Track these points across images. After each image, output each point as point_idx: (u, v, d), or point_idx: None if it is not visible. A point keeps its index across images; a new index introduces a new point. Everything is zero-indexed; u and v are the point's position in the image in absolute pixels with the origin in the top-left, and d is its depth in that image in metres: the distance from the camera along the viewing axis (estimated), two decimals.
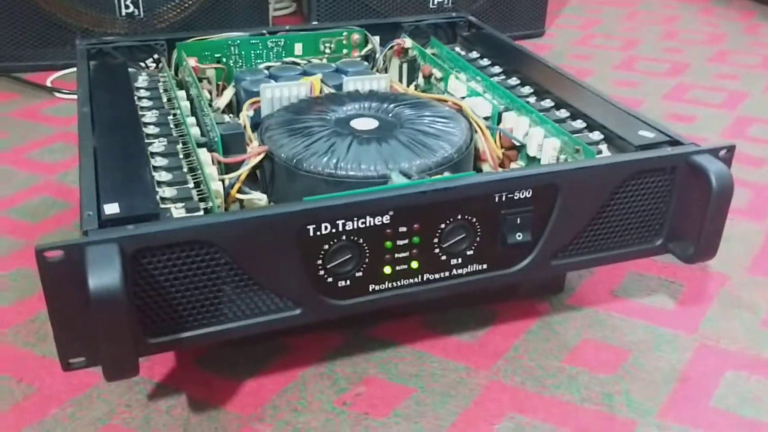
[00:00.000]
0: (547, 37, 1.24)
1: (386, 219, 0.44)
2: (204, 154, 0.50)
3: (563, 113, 0.56)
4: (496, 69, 0.66)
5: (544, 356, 0.54)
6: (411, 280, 0.47)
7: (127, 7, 1.04)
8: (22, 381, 0.51)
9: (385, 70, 0.73)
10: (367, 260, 0.45)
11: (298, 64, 0.71)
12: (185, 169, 0.48)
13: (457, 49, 0.72)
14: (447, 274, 0.48)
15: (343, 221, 0.43)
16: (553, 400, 0.50)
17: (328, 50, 0.73)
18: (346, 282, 0.45)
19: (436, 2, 1.13)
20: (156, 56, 0.68)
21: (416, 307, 0.56)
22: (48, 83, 1.00)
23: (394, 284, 0.47)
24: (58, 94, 0.97)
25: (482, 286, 0.49)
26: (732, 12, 1.42)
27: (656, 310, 0.59)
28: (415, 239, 0.46)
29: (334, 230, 0.43)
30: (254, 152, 0.51)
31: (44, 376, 0.51)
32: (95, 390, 0.50)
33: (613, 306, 0.59)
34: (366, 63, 0.71)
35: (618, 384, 0.51)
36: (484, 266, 0.49)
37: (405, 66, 0.72)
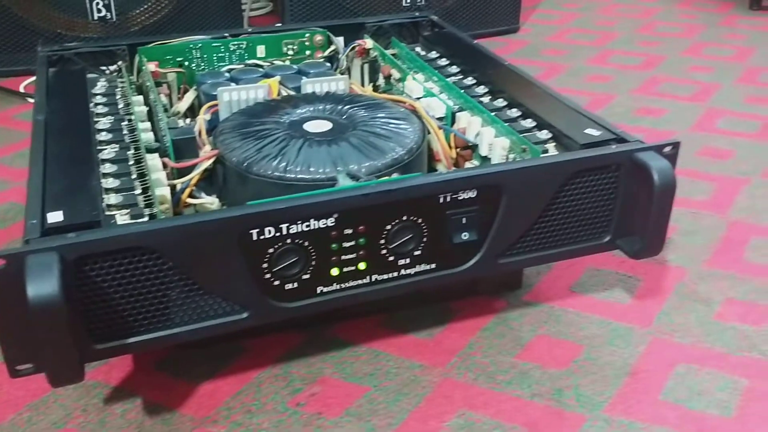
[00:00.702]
0: (522, 33, 1.24)
1: (331, 221, 0.45)
2: (154, 159, 0.51)
3: (514, 112, 0.57)
4: (454, 69, 0.66)
5: (498, 352, 0.54)
6: (359, 281, 0.48)
7: (99, 11, 1.04)
8: None
9: (348, 72, 0.73)
10: (313, 262, 0.46)
11: (260, 66, 0.72)
12: (134, 176, 0.48)
13: (418, 49, 0.72)
14: (395, 274, 0.49)
15: (287, 225, 0.44)
16: (503, 396, 0.50)
17: (291, 52, 0.74)
18: (293, 284, 0.46)
19: (408, 1, 1.13)
20: (118, 61, 0.68)
21: (375, 307, 0.57)
22: (21, 88, 1.00)
23: (342, 285, 0.47)
24: (30, 99, 0.97)
25: (431, 285, 0.50)
26: (710, 2, 1.42)
27: (612, 305, 0.59)
28: (362, 240, 0.46)
29: (278, 234, 0.44)
30: (205, 156, 0.52)
31: (2, 382, 0.52)
32: (53, 395, 0.51)
33: (570, 302, 0.60)
34: (328, 64, 0.72)
35: (569, 379, 0.52)
36: (432, 266, 0.49)
37: (366, 67, 0.72)
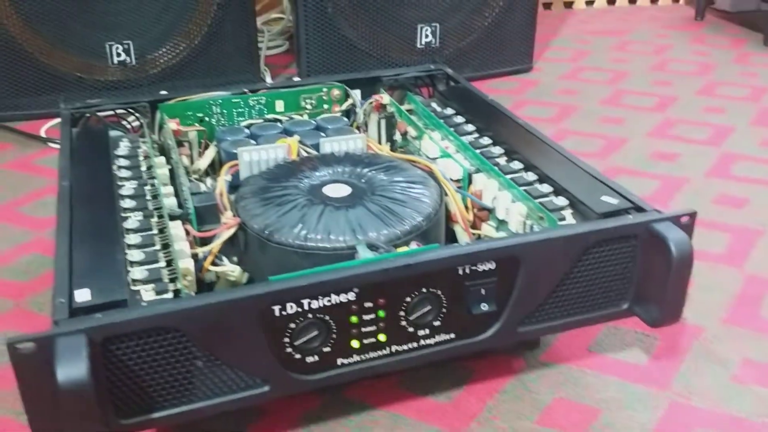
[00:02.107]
0: (534, 72, 1.25)
1: (351, 296, 0.46)
2: (177, 228, 0.51)
3: (530, 176, 0.58)
4: (470, 127, 0.67)
5: (517, 417, 0.55)
6: (379, 353, 0.48)
7: (119, 54, 1.06)
8: None
9: (365, 125, 0.74)
10: (334, 335, 0.46)
11: (279, 120, 0.73)
12: (158, 246, 0.49)
13: (434, 104, 0.73)
14: (415, 345, 0.49)
15: (308, 300, 0.45)
16: None
17: (309, 106, 0.75)
18: (314, 357, 0.47)
19: (423, 42, 1.15)
20: (139, 118, 0.69)
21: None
22: (42, 132, 1.02)
23: (363, 357, 0.48)
24: (51, 144, 0.99)
25: (450, 354, 0.50)
26: (723, 39, 1.43)
27: (630, 366, 0.59)
28: (381, 313, 0.47)
29: (299, 309, 0.45)
30: (226, 225, 0.52)
31: None
32: None
33: (588, 362, 0.60)
34: (346, 119, 0.73)
35: None
36: (452, 336, 0.50)
37: (383, 122, 0.73)
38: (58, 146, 0.97)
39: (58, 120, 1.04)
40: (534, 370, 0.59)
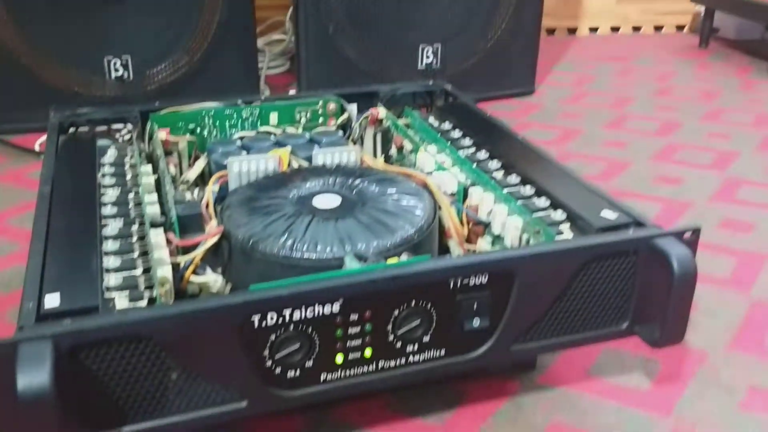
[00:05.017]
0: (537, 95, 1.24)
1: (336, 308, 0.43)
2: (158, 236, 0.49)
3: (528, 190, 0.56)
4: (467, 141, 0.65)
5: None
6: (365, 368, 0.46)
7: (116, 70, 1.05)
8: None
9: (361, 139, 0.72)
10: (317, 349, 0.44)
11: (273, 133, 0.71)
12: (136, 254, 0.47)
13: (431, 119, 0.72)
14: (403, 361, 0.47)
15: (290, 310, 0.42)
16: None
17: (303, 119, 0.73)
18: (295, 372, 0.44)
19: (424, 63, 1.14)
20: (129, 128, 0.68)
21: (381, 390, 0.54)
22: (36, 146, 1.01)
23: (347, 373, 0.45)
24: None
25: (440, 373, 0.48)
26: (729, 67, 1.42)
27: (630, 391, 0.57)
28: (368, 327, 0.45)
29: (280, 320, 0.42)
30: (209, 234, 0.50)
31: None
32: None
33: (586, 385, 0.57)
34: (340, 133, 0.71)
35: None
36: (442, 352, 0.47)
37: (379, 136, 0.72)
38: None
39: None
40: (530, 393, 0.56)
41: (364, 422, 0.53)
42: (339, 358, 0.45)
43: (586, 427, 0.53)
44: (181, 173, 0.66)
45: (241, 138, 0.69)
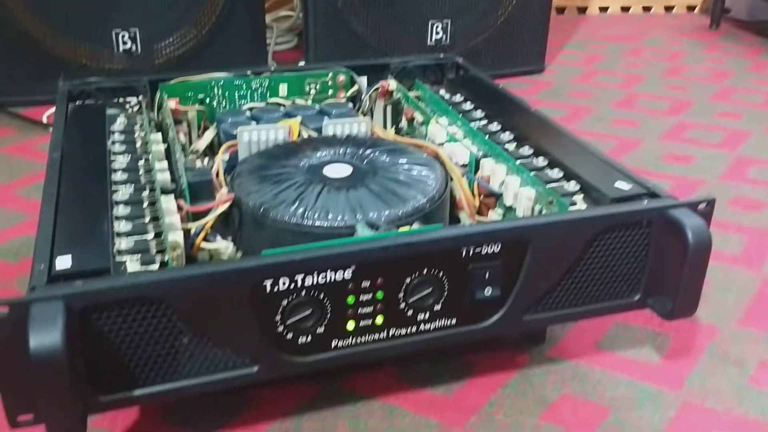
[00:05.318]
0: (547, 74, 1.23)
1: (348, 274, 0.43)
2: (169, 202, 0.49)
3: (541, 161, 0.55)
4: (479, 113, 0.65)
5: (520, 412, 0.52)
6: (376, 336, 0.46)
7: (125, 43, 1.04)
8: None
9: (371, 112, 0.72)
10: (328, 316, 0.44)
11: (282, 105, 0.71)
12: (147, 219, 0.47)
13: (442, 91, 0.71)
14: (414, 329, 0.46)
15: (302, 276, 0.42)
16: None
17: (313, 91, 0.73)
18: (306, 338, 0.44)
19: (434, 39, 1.13)
20: (139, 97, 0.67)
21: (391, 359, 0.54)
22: (44, 118, 1.00)
23: (358, 340, 0.45)
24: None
25: (451, 342, 0.48)
26: (740, 48, 1.40)
27: (641, 364, 0.57)
28: (379, 294, 0.44)
29: (292, 285, 0.42)
30: (220, 201, 0.50)
31: (2, 429, 0.50)
32: None
33: (596, 359, 0.57)
34: (350, 105, 0.70)
35: None
36: (453, 321, 0.47)
37: (389, 108, 0.71)
38: None
39: None
40: (540, 366, 0.56)
41: (374, 392, 0.53)
42: (350, 325, 0.45)
43: (596, 399, 0.53)
44: (190, 143, 0.66)
45: (251, 109, 0.69)
